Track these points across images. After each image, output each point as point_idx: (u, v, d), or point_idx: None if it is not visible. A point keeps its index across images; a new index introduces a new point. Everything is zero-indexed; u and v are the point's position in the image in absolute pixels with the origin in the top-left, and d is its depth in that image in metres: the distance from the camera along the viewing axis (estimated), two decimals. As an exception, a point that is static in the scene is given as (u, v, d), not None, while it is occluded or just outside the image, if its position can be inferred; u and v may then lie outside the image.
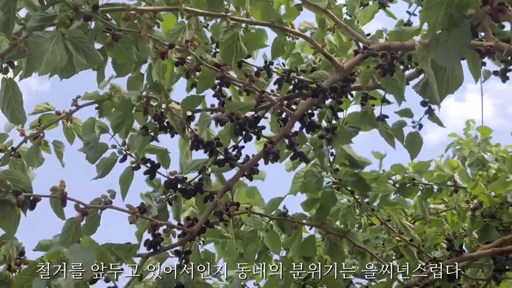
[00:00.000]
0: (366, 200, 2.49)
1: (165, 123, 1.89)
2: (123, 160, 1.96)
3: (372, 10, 2.34)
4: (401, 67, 1.92)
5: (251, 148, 2.32)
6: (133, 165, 1.94)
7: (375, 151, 2.65)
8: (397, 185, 2.72)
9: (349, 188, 2.40)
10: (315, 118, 1.99)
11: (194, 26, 1.88)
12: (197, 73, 1.88)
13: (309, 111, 1.88)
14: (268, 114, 2.08)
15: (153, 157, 1.96)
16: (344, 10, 2.43)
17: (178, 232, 1.74)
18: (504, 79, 2.03)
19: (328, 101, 2.02)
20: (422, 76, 1.86)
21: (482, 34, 1.70)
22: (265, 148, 1.78)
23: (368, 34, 2.24)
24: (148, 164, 1.93)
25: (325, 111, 2.10)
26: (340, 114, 2.13)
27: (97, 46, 1.67)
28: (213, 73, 1.83)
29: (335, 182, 2.37)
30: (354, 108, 2.28)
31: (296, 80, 2.00)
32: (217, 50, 2.05)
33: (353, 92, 2.10)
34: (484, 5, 1.33)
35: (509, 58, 1.97)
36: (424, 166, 2.76)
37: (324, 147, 2.20)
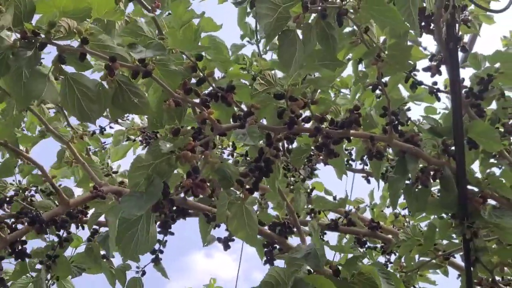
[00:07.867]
0: None
1: None
2: None
3: (124, 149, 2.39)
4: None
5: None
6: None
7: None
8: None
9: None
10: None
11: None
12: None
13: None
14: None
15: None
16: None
17: None
18: (226, 247, 2.15)
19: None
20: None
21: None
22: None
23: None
24: None
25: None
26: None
27: None
28: None
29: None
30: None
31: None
32: None
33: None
34: (187, 178, 1.39)
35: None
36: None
37: (43, 274, 2.13)
